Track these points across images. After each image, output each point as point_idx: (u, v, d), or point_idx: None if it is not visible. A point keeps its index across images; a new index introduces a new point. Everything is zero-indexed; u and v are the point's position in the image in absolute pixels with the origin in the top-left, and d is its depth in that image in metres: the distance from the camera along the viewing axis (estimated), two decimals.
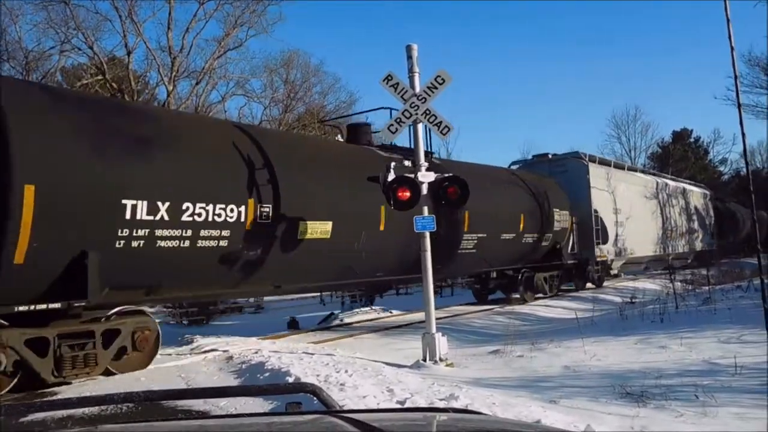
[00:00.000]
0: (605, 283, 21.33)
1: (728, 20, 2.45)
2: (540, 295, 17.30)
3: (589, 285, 20.42)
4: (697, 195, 32.35)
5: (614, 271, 22.90)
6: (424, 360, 8.16)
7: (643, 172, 27.80)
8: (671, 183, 29.49)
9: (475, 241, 13.74)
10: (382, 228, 10.80)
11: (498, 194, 14.80)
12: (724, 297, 12.29)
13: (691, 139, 56.36)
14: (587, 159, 20.84)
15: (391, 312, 15.62)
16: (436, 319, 8.71)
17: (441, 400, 5.65)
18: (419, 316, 11.32)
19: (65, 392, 7.18)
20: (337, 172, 10.56)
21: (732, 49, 2.41)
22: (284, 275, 9.67)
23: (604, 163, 22.46)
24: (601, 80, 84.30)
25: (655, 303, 11.90)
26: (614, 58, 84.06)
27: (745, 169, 44.25)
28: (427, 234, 8.50)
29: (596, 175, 20.53)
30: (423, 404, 5.34)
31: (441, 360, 8.18)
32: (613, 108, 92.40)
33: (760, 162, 57.42)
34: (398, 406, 5.36)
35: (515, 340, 9.11)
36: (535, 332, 10.75)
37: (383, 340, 11.18)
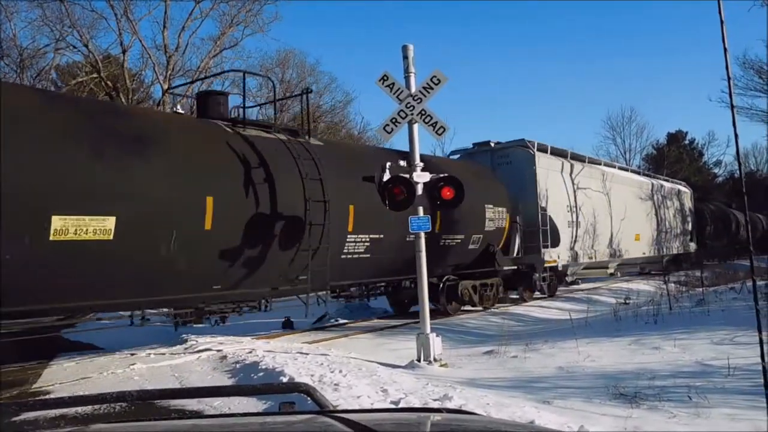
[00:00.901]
0: (562, 291, 19.12)
1: (722, 22, 2.45)
2: (468, 307, 14.70)
3: (538, 295, 17.80)
4: (675, 193, 29.43)
5: (570, 278, 20.09)
6: (419, 360, 8.17)
7: (608, 165, 24.01)
8: (643, 179, 26.39)
9: (367, 244, 10.93)
10: (208, 227, 8.29)
11: None
12: (718, 298, 12.33)
13: (686, 141, 56.58)
14: (535, 148, 17.33)
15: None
16: (431, 319, 8.71)
17: (435, 400, 5.65)
18: (413, 317, 11.31)
19: (58, 391, 7.16)
20: (138, 147, 7.67)
21: (725, 51, 2.41)
22: (31, 294, 6.88)
23: (557, 153, 18.88)
24: (597, 81, 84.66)
25: (649, 304, 11.94)
26: (610, 59, 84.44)
27: (739, 172, 44.43)
28: (422, 234, 8.51)
29: (546, 166, 17.37)
30: (417, 404, 5.35)
31: (435, 360, 8.18)
32: (609, 109, 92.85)
33: (754, 164, 57.76)
34: (392, 406, 5.36)
35: (509, 340, 9.12)
36: (529, 333, 10.77)
37: (378, 340, 11.18)
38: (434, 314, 13.25)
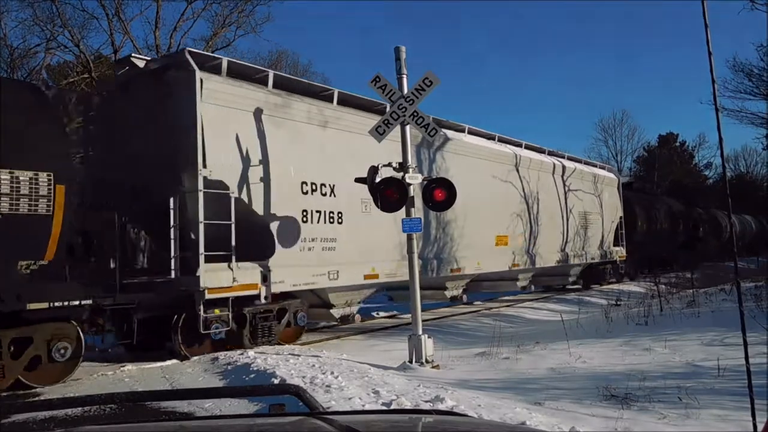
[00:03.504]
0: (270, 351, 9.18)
1: (706, 26, 2.48)
2: None
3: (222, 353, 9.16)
4: (591, 179, 21.01)
5: (344, 310, 11.31)
6: (411, 362, 8.17)
7: (444, 125, 13.82)
8: (525, 153, 17.36)
9: None
10: None
11: None
12: (708, 300, 12.41)
13: (677, 143, 56.91)
14: (222, 70, 9.46)
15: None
16: (423, 321, 8.72)
17: (426, 401, 5.66)
18: (406, 317, 11.28)
19: (47, 393, 7.12)
20: None
21: (710, 54, 2.44)
22: None
23: (281, 85, 10.37)
24: (589, 83, 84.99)
25: (640, 306, 11.99)
26: (602, 60, 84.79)
27: (729, 174, 44.64)
28: (414, 236, 8.52)
29: (230, 103, 9.30)
30: (408, 406, 5.35)
31: (427, 362, 8.18)
32: (601, 112, 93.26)
33: (744, 167, 58.22)
34: (383, 407, 5.36)
35: (501, 342, 9.13)
36: (521, 334, 10.78)
37: (369, 341, 11.17)
38: None
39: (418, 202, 8.87)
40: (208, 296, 8.61)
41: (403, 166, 8.59)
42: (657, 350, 8.21)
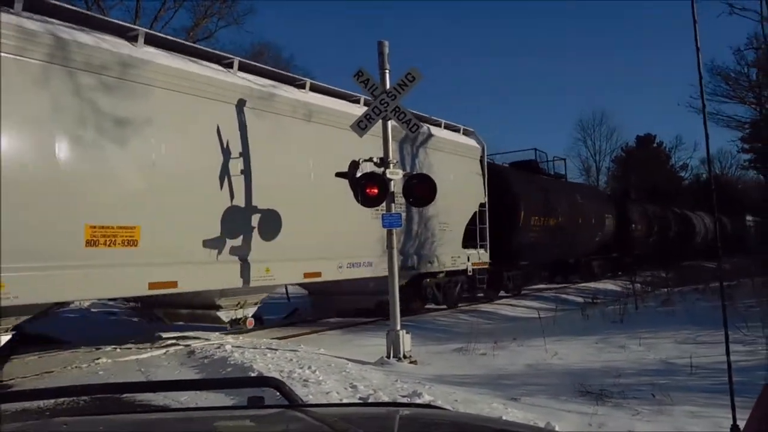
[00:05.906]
0: None
1: (695, 21, 2.51)
2: None
3: None
4: (429, 143, 12.86)
5: None
6: (388, 357, 8.18)
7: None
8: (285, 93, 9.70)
9: None
10: None
11: None
12: (682, 299, 12.61)
13: (654, 144, 57.62)
14: None
15: None
16: (401, 316, 8.73)
17: (404, 396, 5.67)
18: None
19: (20, 386, 7.00)
20: None
21: (698, 49, 2.46)
22: None
23: None
24: (569, 84, 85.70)
25: (616, 303, 12.15)
26: (582, 61, 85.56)
27: (706, 174, 45.35)
28: (394, 231, 8.52)
29: None
30: (386, 400, 5.35)
31: (405, 357, 8.20)
32: (580, 111, 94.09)
33: (719, 169, 59.16)
34: (361, 401, 5.36)
35: (478, 338, 9.19)
36: (498, 331, 10.85)
37: (346, 336, 11.16)
38: None
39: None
40: None
41: (384, 161, 8.59)
42: (632, 348, 8.33)
